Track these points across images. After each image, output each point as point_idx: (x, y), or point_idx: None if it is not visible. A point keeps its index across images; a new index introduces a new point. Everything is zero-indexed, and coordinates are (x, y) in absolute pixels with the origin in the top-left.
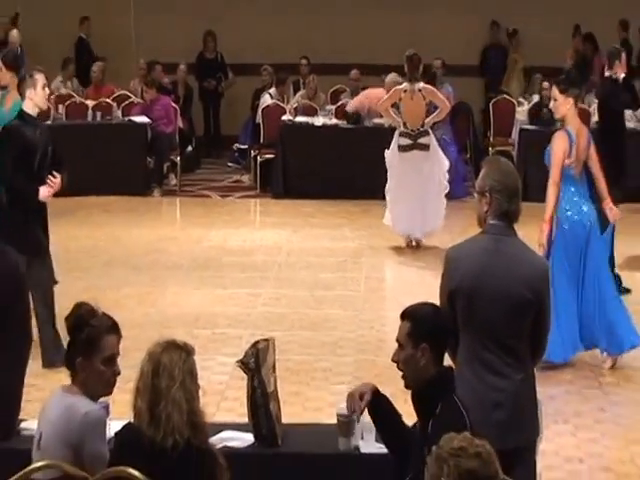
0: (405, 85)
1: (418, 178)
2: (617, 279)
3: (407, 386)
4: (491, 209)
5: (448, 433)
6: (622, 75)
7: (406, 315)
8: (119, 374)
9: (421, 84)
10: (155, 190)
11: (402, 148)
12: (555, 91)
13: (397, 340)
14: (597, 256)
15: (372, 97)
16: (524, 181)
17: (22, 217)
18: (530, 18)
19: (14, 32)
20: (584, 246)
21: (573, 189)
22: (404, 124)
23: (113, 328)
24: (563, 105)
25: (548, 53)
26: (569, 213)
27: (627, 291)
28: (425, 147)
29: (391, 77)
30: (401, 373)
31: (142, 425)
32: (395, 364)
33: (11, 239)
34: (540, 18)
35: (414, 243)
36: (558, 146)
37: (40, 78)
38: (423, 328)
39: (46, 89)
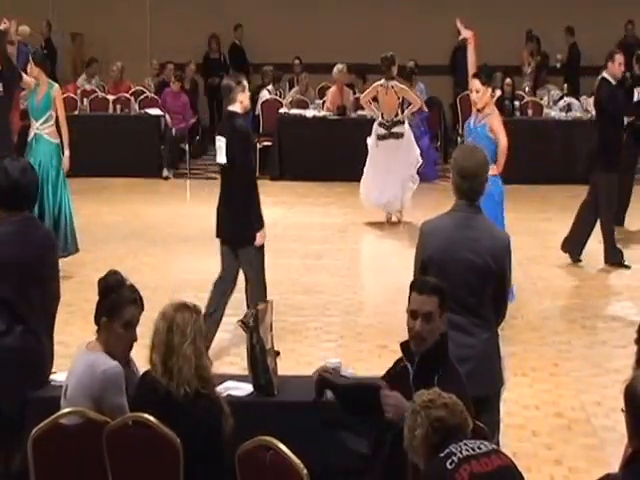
0: (382, 82)
1: (391, 162)
2: (620, 254)
3: (419, 352)
4: (452, 186)
5: (454, 386)
6: (618, 75)
7: (431, 289)
8: (136, 340)
9: (394, 82)
10: (169, 173)
11: (379, 137)
12: (477, 83)
13: (421, 313)
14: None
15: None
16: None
17: None
18: (490, 22)
19: (24, 28)
20: None
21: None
22: (382, 115)
23: (135, 300)
24: (484, 95)
25: (506, 53)
26: None
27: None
28: (399, 135)
29: (338, 68)
30: (416, 343)
31: (157, 376)
32: (411, 333)
33: None
34: (498, 22)
35: (394, 219)
36: (499, 122)
37: (246, 83)
38: (446, 300)
39: (247, 91)
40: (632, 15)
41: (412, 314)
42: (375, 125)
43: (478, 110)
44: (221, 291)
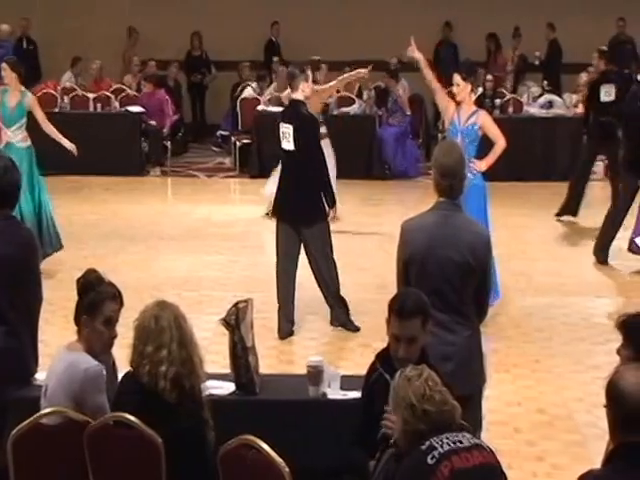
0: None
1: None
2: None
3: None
4: (433, 184)
5: None
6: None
7: (411, 312)
8: (116, 337)
9: (318, 86)
10: (152, 170)
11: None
12: (458, 78)
13: (404, 339)
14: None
15: None
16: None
17: None
18: (474, 17)
19: (4, 27)
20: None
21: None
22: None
23: (115, 296)
24: (465, 90)
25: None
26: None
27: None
28: (322, 136)
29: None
30: (401, 364)
31: (142, 375)
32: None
33: None
34: (483, 19)
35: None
36: (492, 120)
37: (309, 73)
38: (429, 313)
39: (310, 82)
40: (615, 12)
41: (394, 338)
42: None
43: (458, 104)
44: (290, 276)
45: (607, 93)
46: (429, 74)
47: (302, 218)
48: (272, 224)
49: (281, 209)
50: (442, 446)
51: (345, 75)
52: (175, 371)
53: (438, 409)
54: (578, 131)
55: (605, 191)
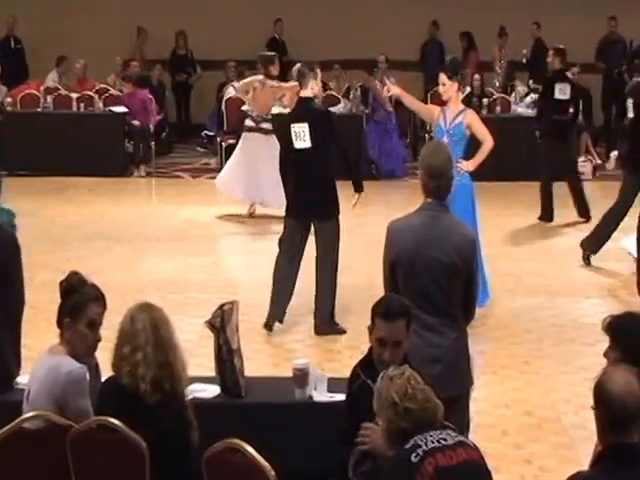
0: (261, 78)
1: (258, 156)
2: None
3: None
4: (420, 185)
5: None
6: None
7: (396, 314)
8: (100, 340)
9: (273, 82)
10: (136, 171)
11: (247, 129)
12: (444, 77)
13: (390, 342)
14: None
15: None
16: None
17: None
18: (460, 16)
19: None
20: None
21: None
22: (252, 110)
23: (98, 298)
24: (451, 88)
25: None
26: None
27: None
28: (267, 132)
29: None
30: (384, 368)
31: (123, 376)
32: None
33: None
34: (469, 17)
35: (251, 210)
36: (479, 119)
37: (318, 71)
38: (412, 316)
39: (319, 79)
40: (606, 10)
41: (379, 342)
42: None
43: (445, 103)
44: (294, 272)
45: (562, 91)
46: (410, 102)
47: (318, 213)
48: (262, 224)
49: (296, 207)
50: (426, 444)
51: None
52: (153, 374)
53: (420, 407)
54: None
55: (593, 191)
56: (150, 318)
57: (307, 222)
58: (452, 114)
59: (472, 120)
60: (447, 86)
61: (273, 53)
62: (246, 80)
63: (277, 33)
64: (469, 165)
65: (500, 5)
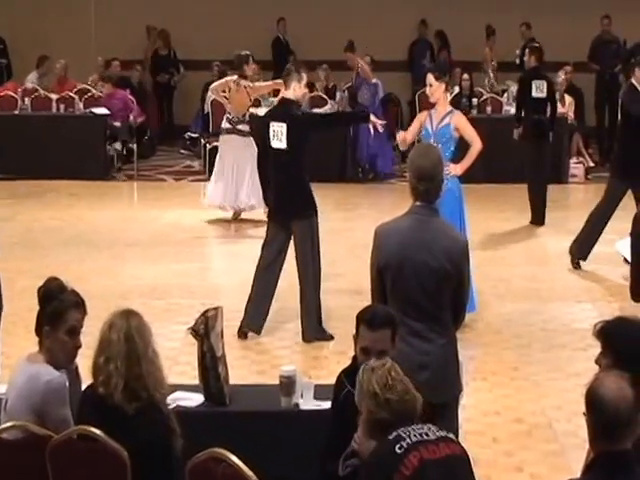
0: (235, 78)
1: (238, 158)
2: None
3: None
4: (409, 188)
5: None
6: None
7: (382, 323)
8: (80, 347)
9: (247, 81)
10: (117, 174)
11: (224, 131)
12: (431, 78)
13: (375, 351)
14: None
15: None
16: None
17: None
18: (449, 15)
19: None
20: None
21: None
22: (228, 112)
23: (78, 304)
24: (438, 89)
25: (465, 49)
26: None
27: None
28: (245, 133)
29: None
30: None
31: (99, 385)
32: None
33: None
34: (458, 16)
35: (234, 214)
36: (467, 120)
37: (304, 75)
38: (398, 326)
39: (303, 82)
40: (599, 9)
41: (364, 351)
42: (224, 119)
43: (433, 105)
44: (273, 281)
45: (538, 89)
46: (411, 139)
47: (294, 212)
48: (244, 229)
49: (273, 207)
50: (410, 437)
51: (278, 80)
52: (126, 385)
53: (400, 398)
54: (559, 132)
55: (585, 194)
56: (126, 328)
57: (287, 224)
58: (439, 116)
59: (459, 121)
60: (434, 87)
61: (248, 53)
62: (221, 81)
63: (280, 33)
64: (457, 168)
65: (491, 5)
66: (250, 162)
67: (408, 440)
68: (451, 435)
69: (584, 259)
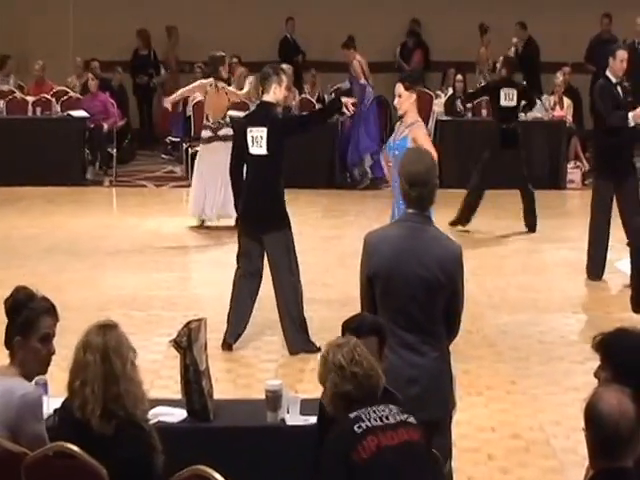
0: (211, 80)
1: (221, 165)
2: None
3: None
4: (401, 193)
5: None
6: (619, 74)
7: (368, 330)
8: (54, 353)
9: (224, 83)
10: (95, 179)
11: (205, 140)
12: (400, 88)
13: None
14: None
15: None
16: (439, 170)
17: None
18: (441, 15)
19: None
20: None
21: None
22: (206, 117)
23: (50, 310)
24: (407, 100)
25: (458, 49)
26: None
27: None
28: (227, 138)
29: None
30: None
31: (75, 409)
32: None
33: None
34: (449, 15)
35: (207, 222)
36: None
37: (284, 77)
38: (386, 335)
39: (283, 84)
40: (600, 8)
41: None
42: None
43: (400, 117)
44: (254, 289)
45: (507, 96)
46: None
47: (266, 224)
48: (228, 237)
49: (244, 217)
50: (370, 420)
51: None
52: (103, 408)
53: (366, 373)
54: (557, 136)
55: (582, 199)
56: (102, 347)
57: (258, 235)
58: (402, 128)
59: (417, 133)
60: (403, 98)
61: (223, 54)
62: (195, 84)
63: (289, 32)
64: None
65: (484, 4)
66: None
67: (367, 423)
68: (412, 419)
69: (599, 278)
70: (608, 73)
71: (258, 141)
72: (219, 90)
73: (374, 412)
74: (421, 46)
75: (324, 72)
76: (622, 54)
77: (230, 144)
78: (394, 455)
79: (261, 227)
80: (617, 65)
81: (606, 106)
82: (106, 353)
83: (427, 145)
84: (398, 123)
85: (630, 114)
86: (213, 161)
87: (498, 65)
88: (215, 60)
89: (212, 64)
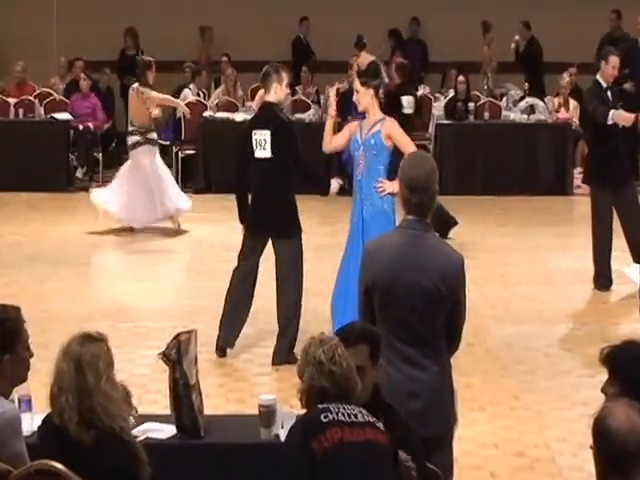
0: (136, 85)
1: (157, 168)
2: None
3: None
4: (400, 200)
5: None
6: (610, 79)
7: (358, 338)
8: (32, 356)
9: (146, 88)
10: (81, 184)
11: (133, 146)
12: (357, 84)
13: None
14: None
15: None
16: (439, 174)
17: None
18: (442, 14)
19: None
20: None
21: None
22: (131, 122)
23: (21, 315)
24: (364, 96)
25: (459, 48)
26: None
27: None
28: (154, 142)
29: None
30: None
31: (54, 416)
32: None
33: None
34: (451, 14)
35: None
36: (400, 129)
37: (284, 76)
38: (378, 344)
39: (284, 83)
40: (608, 4)
41: None
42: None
43: (362, 114)
44: (250, 289)
45: (409, 104)
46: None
47: (276, 231)
48: (220, 245)
49: (254, 222)
50: (337, 414)
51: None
52: (79, 417)
53: (344, 374)
54: (562, 139)
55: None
56: (77, 359)
57: (264, 237)
58: (368, 124)
59: (392, 129)
60: (361, 94)
61: (151, 59)
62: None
63: (302, 32)
64: (394, 186)
65: (488, 2)
66: (161, 167)
67: (335, 416)
68: (380, 424)
69: (607, 288)
70: (598, 77)
71: (262, 144)
72: (138, 94)
73: (344, 409)
74: (400, 47)
75: (331, 73)
76: (614, 60)
77: (155, 148)
78: (355, 451)
79: (271, 231)
80: (609, 71)
81: (593, 105)
82: (79, 365)
83: (406, 141)
84: (362, 122)
85: (611, 112)
86: (146, 163)
87: (397, 72)
88: (141, 65)
89: (139, 68)
